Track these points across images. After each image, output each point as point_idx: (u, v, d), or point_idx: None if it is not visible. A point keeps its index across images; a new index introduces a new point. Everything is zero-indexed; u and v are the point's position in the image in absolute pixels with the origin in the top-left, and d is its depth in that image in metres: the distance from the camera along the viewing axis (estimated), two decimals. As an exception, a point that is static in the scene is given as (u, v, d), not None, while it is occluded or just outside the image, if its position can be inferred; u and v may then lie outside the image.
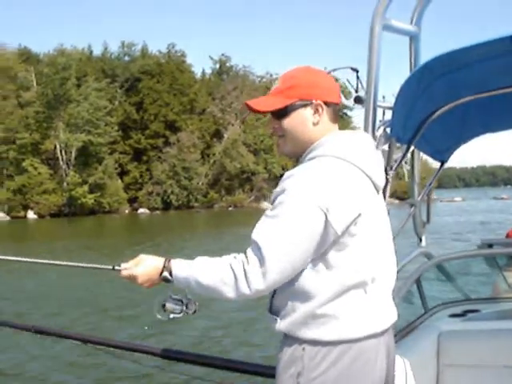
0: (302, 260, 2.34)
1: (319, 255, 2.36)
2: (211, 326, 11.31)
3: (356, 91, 3.53)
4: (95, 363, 9.08)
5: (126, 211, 69.51)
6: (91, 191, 64.27)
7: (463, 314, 4.34)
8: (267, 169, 77.80)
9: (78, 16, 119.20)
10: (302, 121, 2.48)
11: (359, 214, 2.38)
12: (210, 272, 2.40)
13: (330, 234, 2.31)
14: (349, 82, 3.51)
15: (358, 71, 3.47)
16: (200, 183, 73.49)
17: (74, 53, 71.96)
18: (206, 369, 3.68)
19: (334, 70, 3.27)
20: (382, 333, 2.50)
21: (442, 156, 4.69)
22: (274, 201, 2.38)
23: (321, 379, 2.40)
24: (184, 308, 2.66)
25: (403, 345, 3.47)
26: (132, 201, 71.43)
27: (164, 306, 2.67)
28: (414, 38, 4.03)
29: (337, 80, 2.79)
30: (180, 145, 71.91)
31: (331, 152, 2.41)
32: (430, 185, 4.58)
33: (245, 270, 2.33)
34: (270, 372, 3.27)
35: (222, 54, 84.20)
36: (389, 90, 3.66)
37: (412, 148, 3.97)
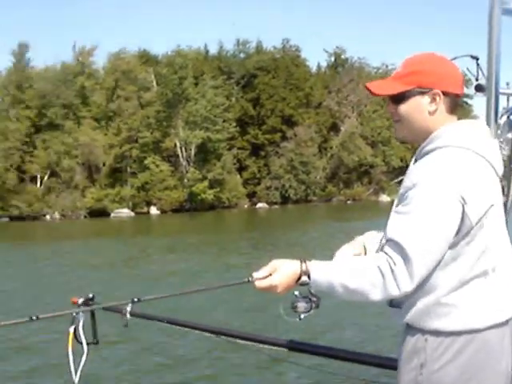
0: (442, 253, 2.32)
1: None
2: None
3: (477, 79, 3.43)
4: (222, 356, 9.10)
5: (245, 206, 70.30)
6: (211, 187, 65.38)
7: None
8: (385, 161, 76.72)
9: (193, 17, 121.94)
10: (418, 108, 2.47)
11: (491, 205, 2.37)
12: (357, 275, 2.33)
13: (465, 225, 2.30)
14: (469, 71, 3.41)
15: (478, 59, 3.35)
16: (318, 177, 73.28)
17: (190, 53, 73.57)
18: (330, 361, 3.62)
19: (454, 58, 3.07)
20: (507, 322, 2.44)
21: None
22: (403, 196, 2.38)
23: (444, 371, 2.37)
24: (313, 305, 2.56)
25: None
26: (251, 195, 72.12)
27: (295, 306, 2.56)
28: None
29: None
30: (297, 139, 71.96)
31: (455, 142, 2.38)
32: None
33: (393, 271, 2.28)
34: (391, 364, 3.19)
35: (337, 47, 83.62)
36: None
37: None
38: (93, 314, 4.08)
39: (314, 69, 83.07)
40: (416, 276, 2.27)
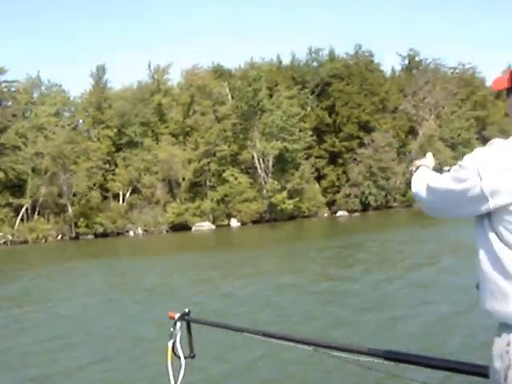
0: (450, 202, 2.50)
1: (490, 226, 2.37)
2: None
3: None
4: (324, 369, 8.92)
5: (325, 214, 69.94)
6: (290, 197, 65.32)
7: None
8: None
9: (265, 28, 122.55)
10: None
11: None
12: (425, 176, 2.82)
13: (483, 201, 2.34)
14: None
15: None
16: (397, 182, 72.11)
17: (263, 64, 74.01)
18: (427, 371, 3.44)
19: None
20: None
21: None
22: None
23: None
24: None
25: None
26: (330, 204, 71.68)
27: None
28: None
29: None
30: (375, 145, 71.12)
31: None
32: None
33: (428, 184, 2.65)
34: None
35: (410, 49, 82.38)
36: None
37: None
38: (189, 328, 4.19)
39: (388, 73, 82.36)
40: (431, 192, 2.61)
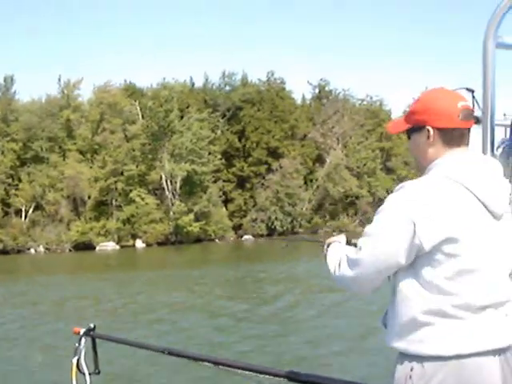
0: (390, 257, 2.45)
1: (412, 268, 2.45)
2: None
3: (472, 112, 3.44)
4: None
5: (231, 238, 70.11)
6: (197, 219, 65.17)
7: None
8: (371, 192, 76.79)
9: (179, 50, 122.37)
10: (417, 145, 2.63)
11: (453, 236, 2.38)
12: (336, 252, 2.77)
13: (416, 246, 2.40)
14: None
15: (473, 91, 3.31)
16: (304, 208, 73.32)
17: (176, 85, 73.86)
18: None
19: None
20: (497, 352, 2.41)
21: None
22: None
23: None
24: None
25: None
26: (237, 228, 71.96)
27: None
28: None
29: None
30: (283, 171, 72.09)
31: (442, 172, 2.49)
32: None
33: (348, 257, 2.56)
34: None
35: (321, 79, 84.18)
36: None
37: None
38: (94, 344, 4.16)
39: (299, 101, 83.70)
40: (357, 269, 2.51)
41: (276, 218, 71.36)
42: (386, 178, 78.14)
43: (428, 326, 2.39)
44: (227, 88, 78.23)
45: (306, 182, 74.80)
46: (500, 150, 3.45)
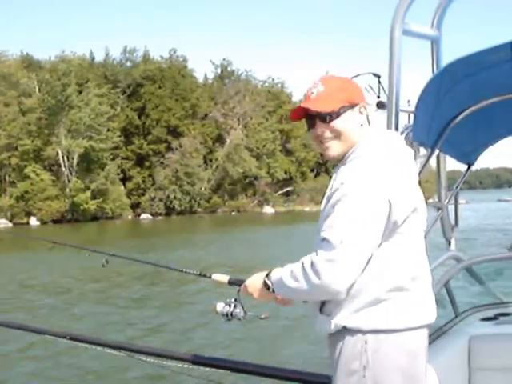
0: (371, 245, 2.41)
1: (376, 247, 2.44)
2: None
3: (378, 97, 3.61)
4: (126, 369, 8.92)
5: (129, 217, 69.38)
6: (93, 197, 63.95)
7: (495, 318, 4.31)
8: (270, 173, 77.59)
9: (80, 21, 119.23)
10: (352, 122, 2.61)
11: (415, 209, 2.51)
12: (290, 274, 2.48)
13: (391, 222, 2.43)
14: (371, 88, 3.59)
15: (379, 77, 3.52)
16: (203, 188, 73.35)
17: (74, 59, 71.96)
18: (240, 376, 3.69)
19: (357, 75, 3.30)
20: (427, 327, 2.59)
21: (469, 159, 4.72)
22: (332, 198, 2.47)
23: (387, 370, 2.45)
24: (230, 311, 2.76)
25: (433, 348, 3.39)
26: (135, 206, 71.26)
27: (217, 308, 2.76)
28: (434, 42, 4.04)
29: None
30: (182, 150, 71.76)
31: (378, 151, 2.52)
32: (457, 187, 4.62)
33: (312, 262, 2.38)
34: (305, 378, 3.41)
35: (224, 59, 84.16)
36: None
37: (437, 151, 4.01)
38: None
39: (200, 80, 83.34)
40: (338, 264, 2.34)
41: (175, 197, 71.12)
42: (285, 160, 79.15)
43: (387, 301, 2.46)
44: (128, 64, 77.00)
45: (205, 162, 74.77)
46: (403, 135, 3.55)
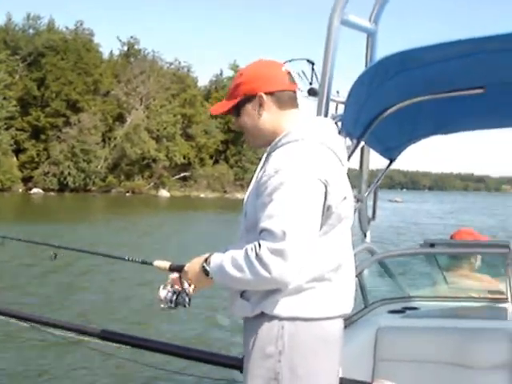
0: (314, 232, 2.38)
1: None
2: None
3: (310, 83, 3.52)
4: (36, 345, 8.61)
5: (20, 190, 67.22)
6: (-18, 167, 61.72)
7: (402, 311, 4.44)
8: (168, 156, 76.92)
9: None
10: (250, 115, 2.59)
11: (345, 197, 2.49)
12: (233, 263, 2.38)
13: (325, 208, 2.40)
14: (304, 74, 3.49)
15: (313, 63, 3.42)
16: (99, 167, 71.91)
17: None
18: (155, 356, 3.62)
19: (290, 60, 3.16)
20: (344, 316, 2.60)
21: (391, 154, 4.86)
22: (265, 186, 2.39)
23: (302, 356, 2.44)
24: (174, 299, 2.65)
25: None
26: (26, 180, 69.12)
27: (160, 296, 2.66)
28: (371, 35, 4.08)
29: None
30: (81, 126, 70.07)
31: (309, 136, 2.47)
32: (377, 182, 4.75)
33: (257, 254, 2.29)
34: (219, 360, 3.40)
35: (131, 37, 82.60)
36: (348, 85, 3.62)
37: (362, 144, 4.07)
38: None
39: (105, 55, 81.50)
40: (289, 256, 2.28)
41: (69, 174, 69.41)
42: (185, 144, 78.68)
43: (308, 290, 2.44)
44: (31, 31, 74.37)
45: (103, 140, 73.32)
46: None
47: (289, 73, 2.65)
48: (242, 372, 2.66)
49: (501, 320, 4.26)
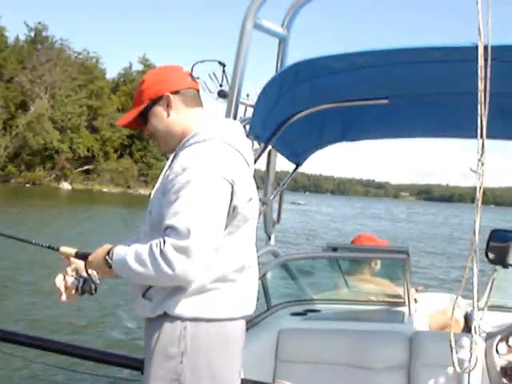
0: (219, 231, 2.38)
1: None
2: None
3: (221, 85, 3.56)
4: None
5: None
6: None
7: (304, 313, 4.53)
8: (72, 148, 74.96)
9: None
10: (159, 117, 2.61)
11: (250, 198, 2.50)
12: (136, 257, 2.35)
13: (231, 208, 2.41)
14: (214, 76, 3.53)
15: (224, 65, 3.44)
16: (-1, 155, 69.49)
17: None
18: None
19: (202, 61, 3.21)
20: (246, 317, 2.63)
21: (298, 159, 4.94)
22: (172, 184, 2.38)
23: (205, 357, 2.44)
24: (80, 286, 2.62)
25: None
26: None
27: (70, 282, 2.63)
28: (283, 41, 4.16)
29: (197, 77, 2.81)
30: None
31: (217, 137, 2.48)
32: (283, 185, 4.80)
33: (162, 251, 2.27)
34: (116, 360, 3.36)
35: (39, 23, 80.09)
36: (258, 89, 3.65)
37: (269, 148, 4.09)
38: None
39: (11, 40, 78.65)
40: (193, 254, 2.27)
41: (-34, 161, 66.80)
42: (90, 137, 76.99)
43: (211, 291, 2.45)
44: None
45: (5, 128, 70.81)
46: None
47: (190, 74, 2.71)
48: (142, 373, 2.64)
49: (398, 323, 4.42)
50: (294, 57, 3.76)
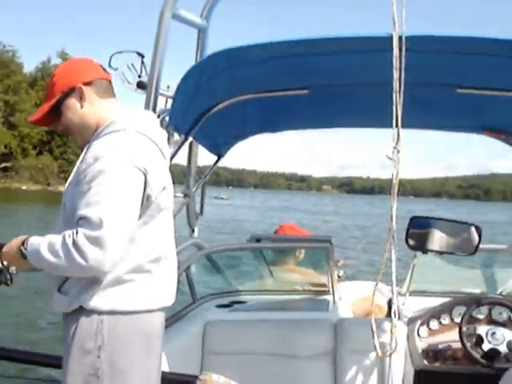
0: (133, 221, 2.36)
1: None
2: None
3: (139, 76, 3.53)
4: None
5: None
6: None
7: (230, 305, 4.54)
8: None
9: None
10: (73, 109, 2.56)
11: (165, 187, 2.49)
12: (50, 248, 2.31)
13: (145, 197, 2.39)
14: (133, 67, 3.50)
15: (143, 56, 3.44)
16: None
17: None
18: None
19: (120, 52, 3.24)
20: (165, 309, 2.61)
21: (219, 150, 4.89)
22: (84, 174, 2.35)
23: (122, 350, 2.42)
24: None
25: (170, 332, 3.41)
26: None
27: None
28: (202, 32, 4.13)
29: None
30: None
31: (132, 127, 2.47)
32: (205, 177, 4.81)
33: (74, 240, 2.24)
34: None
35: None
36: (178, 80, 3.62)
37: (190, 139, 4.04)
38: None
39: None
40: (106, 244, 2.24)
41: None
42: (7, 133, 75.13)
43: (127, 283, 2.42)
44: None
45: None
46: (159, 119, 3.48)
47: (100, 65, 2.70)
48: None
49: (323, 311, 4.48)
50: (219, 47, 3.76)
